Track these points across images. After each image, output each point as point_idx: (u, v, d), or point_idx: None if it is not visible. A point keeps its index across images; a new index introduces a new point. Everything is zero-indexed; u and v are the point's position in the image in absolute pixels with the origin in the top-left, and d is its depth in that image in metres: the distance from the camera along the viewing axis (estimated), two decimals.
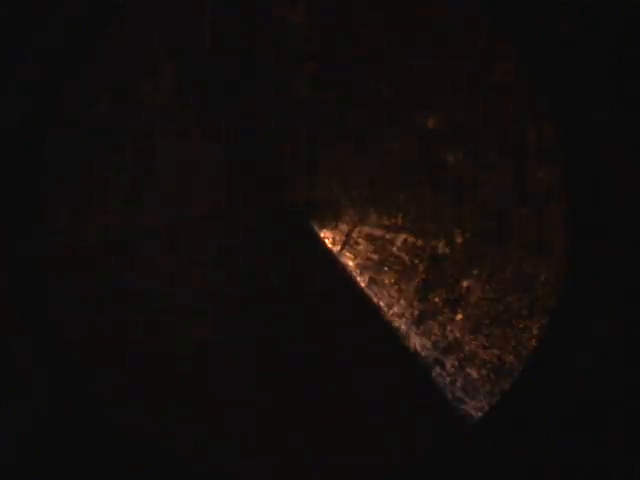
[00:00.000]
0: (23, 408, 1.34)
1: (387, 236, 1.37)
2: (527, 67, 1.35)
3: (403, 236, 1.37)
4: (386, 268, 1.37)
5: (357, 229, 1.38)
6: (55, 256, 1.36)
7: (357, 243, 1.38)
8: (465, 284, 1.36)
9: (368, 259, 1.38)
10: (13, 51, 1.32)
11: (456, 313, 1.36)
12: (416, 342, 1.37)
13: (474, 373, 1.36)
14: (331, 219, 1.38)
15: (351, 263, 1.38)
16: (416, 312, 1.37)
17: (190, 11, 1.36)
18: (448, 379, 1.37)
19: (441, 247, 1.36)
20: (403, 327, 1.37)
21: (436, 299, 1.37)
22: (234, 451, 1.36)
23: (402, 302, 1.37)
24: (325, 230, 1.39)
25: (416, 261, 1.37)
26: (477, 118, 1.36)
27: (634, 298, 1.32)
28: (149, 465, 1.34)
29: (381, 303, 1.38)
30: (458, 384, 1.37)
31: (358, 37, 1.36)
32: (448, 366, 1.36)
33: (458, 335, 1.36)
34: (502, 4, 1.34)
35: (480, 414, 1.36)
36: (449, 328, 1.36)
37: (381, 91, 1.37)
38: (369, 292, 1.38)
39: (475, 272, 1.36)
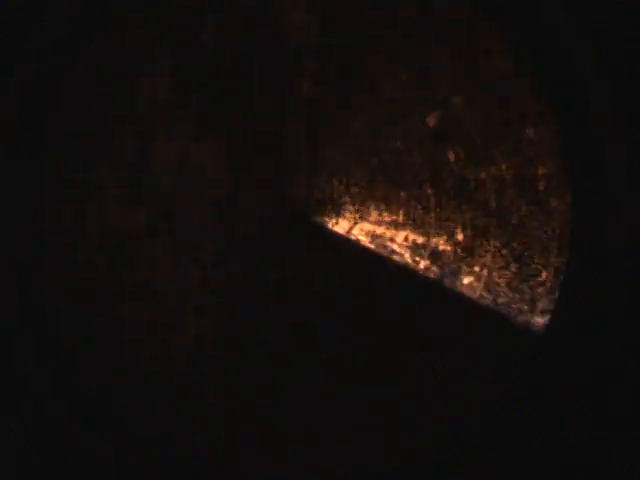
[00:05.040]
0: (24, 408, 1.35)
1: (388, 233, 1.37)
2: (527, 66, 1.34)
3: (404, 233, 1.37)
4: (387, 265, 1.37)
5: (358, 226, 1.38)
6: (55, 256, 1.37)
7: (358, 240, 1.38)
8: (465, 281, 1.36)
9: (369, 256, 1.38)
10: (13, 51, 1.33)
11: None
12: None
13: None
14: (332, 216, 1.38)
15: (352, 260, 1.38)
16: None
17: (190, 11, 1.36)
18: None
19: (442, 244, 1.36)
20: (404, 326, 1.37)
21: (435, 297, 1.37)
22: (233, 450, 1.37)
23: (402, 301, 1.37)
24: (326, 227, 1.39)
25: (417, 258, 1.37)
26: (477, 117, 1.35)
27: (634, 299, 1.32)
28: (148, 464, 1.36)
29: (381, 301, 1.38)
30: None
31: (359, 36, 1.36)
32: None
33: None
34: (502, 3, 1.33)
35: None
36: None
37: (382, 90, 1.37)
38: (369, 290, 1.38)
39: (476, 270, 1.36)
